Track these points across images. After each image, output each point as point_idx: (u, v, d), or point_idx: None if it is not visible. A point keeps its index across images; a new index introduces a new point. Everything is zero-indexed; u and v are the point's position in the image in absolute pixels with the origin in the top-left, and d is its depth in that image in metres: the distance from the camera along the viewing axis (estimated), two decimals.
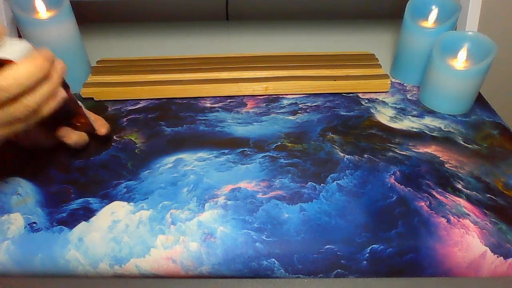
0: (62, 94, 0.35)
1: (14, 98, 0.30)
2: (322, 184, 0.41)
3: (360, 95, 0.55)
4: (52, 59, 0.33)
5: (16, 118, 0.31)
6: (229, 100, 0.54)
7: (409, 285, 0.39)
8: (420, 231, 0.36)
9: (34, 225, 0.36)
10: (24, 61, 0.30)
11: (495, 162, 0.44)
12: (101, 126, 0.44)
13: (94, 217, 0.37)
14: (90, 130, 0.44)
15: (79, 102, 0.41)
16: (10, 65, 0.30)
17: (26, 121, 0.33)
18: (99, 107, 0.52)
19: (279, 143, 0.46)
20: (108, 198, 0.39)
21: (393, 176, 0.41)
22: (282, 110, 0.52)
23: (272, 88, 0.54)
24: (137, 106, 0.53)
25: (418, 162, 0.43)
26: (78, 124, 0.42)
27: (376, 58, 0.60)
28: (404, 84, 0.57)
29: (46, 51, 0.32)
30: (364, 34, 0.71)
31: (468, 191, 0.40)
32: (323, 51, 0.61)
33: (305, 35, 0.71)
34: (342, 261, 0.35)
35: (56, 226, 0.36)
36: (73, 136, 0.41)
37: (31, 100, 0.31)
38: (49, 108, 0.34)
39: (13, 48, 0.31)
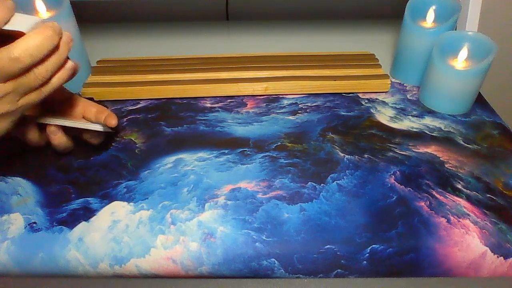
0: (70, 65, 0.36)
1: (27, 69, 0.32)
2: (322, 184, 0.40)
3: (360, 95, 0.55)
4: (60, 31, 0.34)
5: (29, 88, 0.33)
6: (229, 100, 0.54)
7: (409, 285, 0.39)
8: (420, 231, 0.36)
9: (34, 225, 0.36)
10: (34, 32, 0.31)
11: (495, 162, 0.44)
12: (111, 118, 0.43)
13: (94, 217, 0.37)
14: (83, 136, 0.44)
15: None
16: (22, 37, 0.31)
17: (38, 94, 0.34)
18: None
19: (279, 143, 0.46)
20: (108, 198, 0.39)
21: (393, 176, 0.41)
22: (282, 110, 0.52)
23: (272, 88, 0.54)
24: (137, 106, 0.53)
25: (418, 162, 0.43)
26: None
27: (376, 58, 0.60)
28: (404, 84, 0.57)
29: (54, 24, 0.33)
30: (364, 34, 0.71)
31: (468, 191, 0.40)
32: (323, 51, 0.61)
33: (305, 35, 0.71)
34: (342, 261, 0.35)
35: (56, 226, 0.36)
36: (59, 138, 0.41)
37: (42, 70, 0.32)
38: (59, 79, 0.35)
39: (23, 21, 0.32)
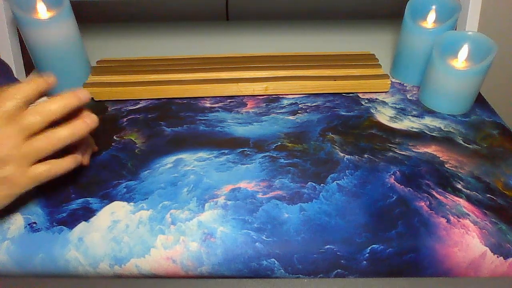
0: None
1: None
2: (322, 184, 0.40)
3: (360, 95, 0.55)
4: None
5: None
6: (229, 100, 0.54)
7: (409, 285, 0.39)
8: (420, 231, 0.36)
9: (34, 225, 0.36)
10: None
11: (495, 162, 0.44)
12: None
13: (94, 217, 0.37)
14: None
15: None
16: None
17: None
18: (99, 107, 0.52)
19: (279, 143, 0.46)
20: (108, 198, 0.39)
21: (393, 176, 0.41)
22: (282, 110, 0.52)
23: (272, 88, 0.54)
24: (137, 106, 0.53)
25: (418, 162, 0.43)
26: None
27: (376, 58, 0.60)
28: (404, 84, 0.57)
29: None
30: (364, 34, 0.71)
31: (468, 191, 0.40)
32: (323, 51, 0.61)
33: (305, 35, 0.71)
34: (342, 261, 0.35)
35: (56, 226, 0.36)
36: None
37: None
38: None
39: None
